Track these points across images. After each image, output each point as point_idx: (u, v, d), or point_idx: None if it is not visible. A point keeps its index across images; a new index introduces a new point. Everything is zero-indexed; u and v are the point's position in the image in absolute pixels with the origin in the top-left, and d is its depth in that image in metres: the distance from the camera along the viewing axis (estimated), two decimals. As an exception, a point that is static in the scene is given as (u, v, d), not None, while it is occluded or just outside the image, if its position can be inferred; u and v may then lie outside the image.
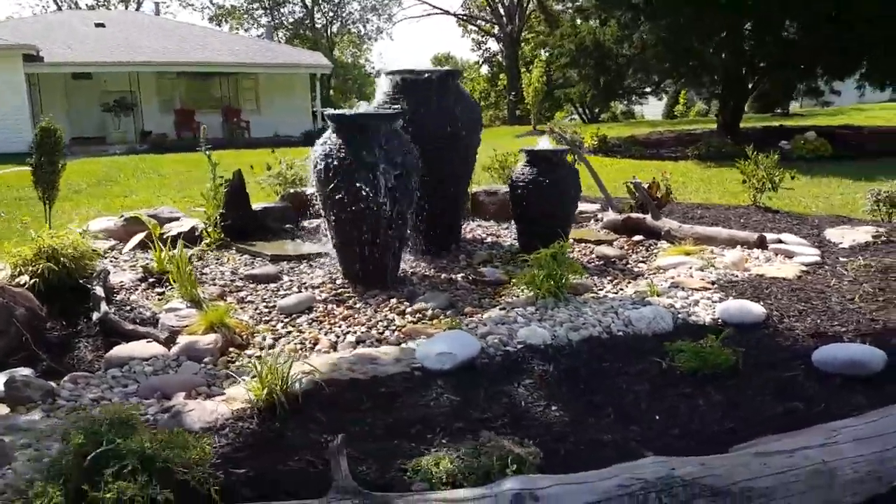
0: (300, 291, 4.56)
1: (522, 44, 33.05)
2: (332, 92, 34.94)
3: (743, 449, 2.12)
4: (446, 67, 5.47)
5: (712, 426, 2.39)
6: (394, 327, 3.96)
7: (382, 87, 5.47)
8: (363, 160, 4.36)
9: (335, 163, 4.41)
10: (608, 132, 14.43)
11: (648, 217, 5.52)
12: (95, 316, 3.92)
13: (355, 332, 3.88)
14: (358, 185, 4.32)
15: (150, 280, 4.82)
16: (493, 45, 39.87)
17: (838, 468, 2.03)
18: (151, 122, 19.17)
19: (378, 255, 4.61)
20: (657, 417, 2.48)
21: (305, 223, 6.69)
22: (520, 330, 3.25)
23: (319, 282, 4.77)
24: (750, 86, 13.48)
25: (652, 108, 32.20)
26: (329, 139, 4.55)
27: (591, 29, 13.73)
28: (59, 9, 34.81)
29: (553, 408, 2.54)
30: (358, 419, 2.55)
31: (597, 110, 28.60)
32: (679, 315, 3.39)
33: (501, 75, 35.71)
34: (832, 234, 5.12)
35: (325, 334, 3.89)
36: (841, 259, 4.42)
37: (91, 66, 18.73)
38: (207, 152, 6.54)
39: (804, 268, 4.28)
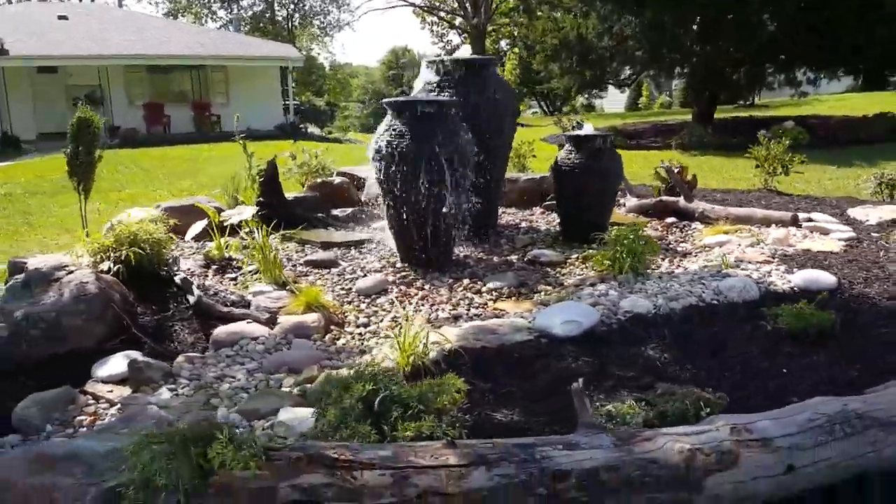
0: (364, 275, 4.73)
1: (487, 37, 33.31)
2: (293, 85, 34.80)
3: (883, 391, 2.41)
4: (487, 55, 5.66)
5: (839, 375, 2.67)
6: (476, 304, 4.18)
7: (424, 75, 5.63)
8: (427, 146, 4.53)
9: (400, 149, 4.56)
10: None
11: (681, 200, 5.84)
12: (191, 299, 4.02)
13: (444, 310, 4.08)
14: (422, 170, 4.50)
15: (214, 267, 4.92)
16: (455, 38, 40.04)
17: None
18: (120, 116, 18.81)
19: (438, 239, 4.81)
20: (784, 371, 2.75)
21: (336, 212, 6.79)
22: (621, 301, 3.50)
23: (378, 266, 4.94)
24: (735, 77, 14.02)
25: (610, 102, 32.85)
26: (393, 125, 4.70)
27: (575, 23, 14.08)
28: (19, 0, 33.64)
29: (688, 366, 2.80)
30: (505, 381, 2.76)
31: (558, 103, 29.11)
32: (760, 284, 3.69)
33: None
34: (855, 212, 5.52)
35: (415, 312, 4.08)
36: (873, 234, 4.79)
37: (59, 59, 18.32)
38: (241, 141, 6.63)
39: (844, 243, 4.63)
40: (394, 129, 4.70)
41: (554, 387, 2.66)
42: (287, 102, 23.02)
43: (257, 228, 5.79)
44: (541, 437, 1.83)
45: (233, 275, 4.81)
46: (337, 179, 7.36)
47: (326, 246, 5.52)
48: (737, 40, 12.62)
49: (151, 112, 19.50)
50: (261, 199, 5.99)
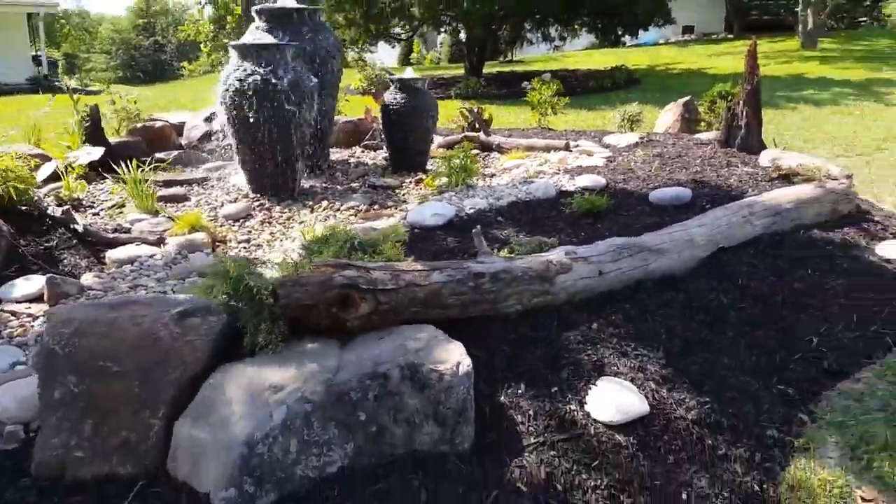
0: (222, 205, 5.32)
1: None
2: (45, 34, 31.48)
3: (646, 234, 3.70)
4: (306, 5, 6.29)
5: (619, 232, 3.93)
6: (340, 220, 4.99)
7: (255, 21, 6.18)
8: (276, 83, 5.16)
9: (250, 87, 5.15)
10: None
11: (482, 135, 7.04)
12: (78, 228, 4.38)
13: (316, 226, 4.85)
14: (273, 104, 5.13)
15: (65, 206, 5.20)
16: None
17: (694, 237, 3.69)
18: None
19: (289, 168, 5.51)
20: (582, 234, 3.98)
21: (161, 155, 7.07)
22: (464, 202, 4.55)
23: (231, 198, 5.53)
24: (500, 33, 15.69)
25: (381, 57, 33.96)
26: (242, 66, 5.24)
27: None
28: None
29: (523, 233, 3.92)
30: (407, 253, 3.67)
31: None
32: (556, 187, 4.94)
33: (229, 17, 34.91)
34: (609, 139, 7.09)
35: (288, 229, 4.81)
36: (624, 153, 6.32)
37: None
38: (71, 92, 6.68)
39: (605, 159, 6.09)
40: (243, 70, 5.24)
41: (442, 255, 3.62)
42: (39, 53, 21.11)
43: (98, 170, 6.04)
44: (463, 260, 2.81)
45: (94, 210, 5.13)
46: (158, 124, 7.58)
47: (169, 183, 5.93)
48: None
49: None
50: (86, 143, 6.21)
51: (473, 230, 3.11)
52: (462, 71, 18.13)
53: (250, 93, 5.17)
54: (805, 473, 2.39)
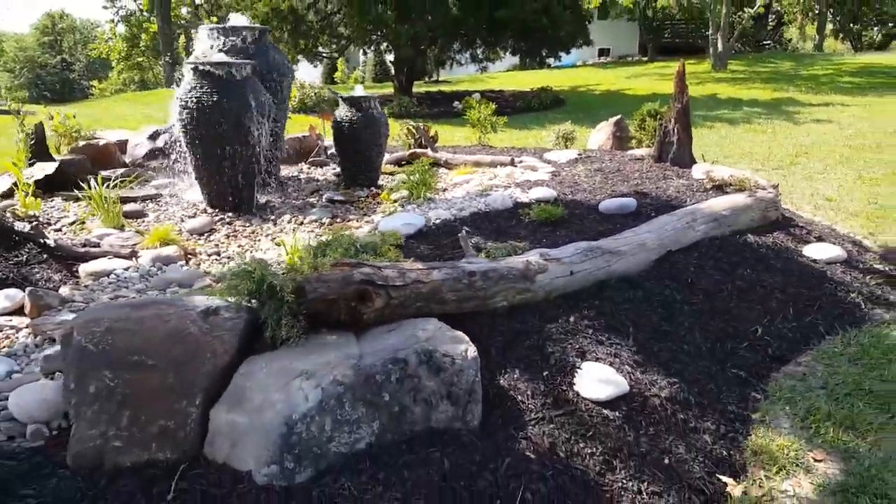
0: (183, 220, 5.41)
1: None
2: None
3: (604, 238, 4.05)
4: (259, 25, 6.46)
5: (576, 239, 4.28)
6: (308, 230, 5.15)
7: (205, 41, 6.27)
8: (235, 103, 5.30)
9: (209, 104, 5.27)
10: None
11: (429, 151, 7.33)
12: (50, 243, 4.40)
13: (286, 238, 4.99)
14: (232, 121, 5.26)
15: (35, 222, 5.17)
16: (130, 4, 37.51)
17: (646, 242, 4.07)
18: None
19: (247, 184, 5.64)
20: (544, 241, 4.30)
21: (105, 173, 7.05)
22: (429, 213, 4.81)
23: (190, 213, 5.62)
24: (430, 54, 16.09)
25: (302, 75, 34.00)
26: (198, 85, 5.35)
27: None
28: None
29: (489, 241, 4.21)
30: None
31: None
32: (511, 199, 5.27)
33: (144, 35, 34.19)
34: (549, 156, 7.50)
35: (255, 242, 4.94)
36: (565, 168, 6.73)
37: None
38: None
39: (549, 174, 6.47)
40: (201, 88, 5.35)
41: (421, 260, 3.85)
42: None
43: (29, 192, 5.99)
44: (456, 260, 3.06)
45: (55, 227, 5.13)
46: (102, 141, 7.53)
47: (123, 200, 5.94)
48: (431, 19, 14.66)
49: None
50: (32, 160, 6.16)
51: (460, 234, 3.38)
52: (391, 90, 18.44)
53: (209, 110, 5.28)
54: (764, 441, 2.75)
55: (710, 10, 20.77)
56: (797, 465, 2.61)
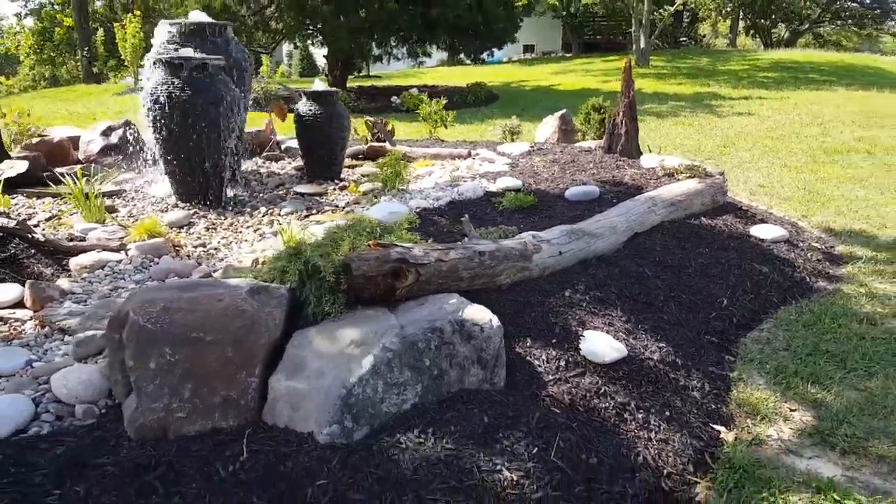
0: (158, 214, 5.46)
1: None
2: None
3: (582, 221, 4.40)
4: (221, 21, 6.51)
5: (550, 224, 4.61)
6: (288, 221, 5.29)
7: (162, 34, 6.28)
8: (205, 97, 5.39)
9: (178, 99, 5.34)
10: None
11: (387, 144, 7.54)
12: (39, 237, 4.41)
13: (265, 231, 5.12)
14: (202, 115, 5.34)
15: (22, 217, 5.14)
16: (44, -4, 35.85)
17: (617, 224, 4.44)
18: None
19: (216, 178, 5.73)
20: (522, 226, 4.62)
21: (61, 170, 6.98)
22: (409, 202, 5.05)
23: (161, 207, 5.68)
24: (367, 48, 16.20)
25: (226, 70, 33.35)
26: (168, 79, 5.40)
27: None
28: None
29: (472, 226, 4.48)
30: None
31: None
32: (481, 188, 5.56)
33: (57, 29, 32.79)
34: (503, 149, 7.84)
35: (237, 234, 5.06)
36: (521, 160, 7.09)
37: None
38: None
39: (508, 165, 6.81)
40: (171, 83, 5.40)
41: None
42: None
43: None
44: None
45: (31, 222, 5.10)
46: (56, 138, 7.39)
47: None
48: (365, 14, 14.80)
49: None
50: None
51: (463, 217, 3.65)
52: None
53: (179, 104, 5.34)
54: (745, 395, 3.15)
55: (632, 7, 21.66)
56: (777, 415, 3.02)
